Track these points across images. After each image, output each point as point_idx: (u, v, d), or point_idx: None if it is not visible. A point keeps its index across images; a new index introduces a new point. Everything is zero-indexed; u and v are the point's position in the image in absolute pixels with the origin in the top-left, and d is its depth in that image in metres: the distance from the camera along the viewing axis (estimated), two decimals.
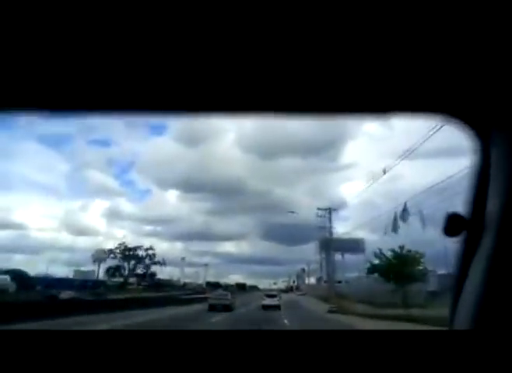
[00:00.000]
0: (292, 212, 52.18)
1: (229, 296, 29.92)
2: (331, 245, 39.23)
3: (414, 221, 24.52)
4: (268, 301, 31.29)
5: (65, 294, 30.27)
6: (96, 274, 59.25)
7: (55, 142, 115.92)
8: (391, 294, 26.89)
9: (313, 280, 77.58)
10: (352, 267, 48.76)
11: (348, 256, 47.49)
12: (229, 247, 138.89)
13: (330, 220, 39.04)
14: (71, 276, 58.48)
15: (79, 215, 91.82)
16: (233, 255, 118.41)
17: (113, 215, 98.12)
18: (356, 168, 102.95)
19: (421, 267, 26.06)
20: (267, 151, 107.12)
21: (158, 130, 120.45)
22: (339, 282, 43.74)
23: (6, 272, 38.50)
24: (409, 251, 26.08)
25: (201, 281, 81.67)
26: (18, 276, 39.01)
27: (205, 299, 33.38)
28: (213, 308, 26.33)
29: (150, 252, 62.93)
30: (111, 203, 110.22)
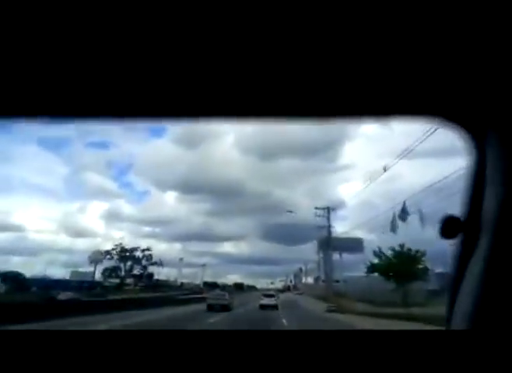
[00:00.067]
0: (291, 211, 52.15)
1: (227, 296, 29.81)
2: (330, 244, 39.20)
3: (413, 220, 24.49)
4: (265, 301, 31.28)
5: (63, 295, 30.22)
6: (93, 275, 59.03)
7: (54, 145, 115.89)
8: (390, 293, 26.85)
9: (310, 280, 77.98)
10: (349, 267, 48.91)
11: (346, 256, 47.76)
12: (227, 247, 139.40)
13: (328, 218, 39.01)
14: (68, 277, 58.30)
15: (78, 217, 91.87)
16: (232, 255, 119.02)
17: (112, 217, 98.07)
18: (354, 169, 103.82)
19: (422, 266, 26.03)
20: (266, 153, 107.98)
21: (157, 133, 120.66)
22: (337, 281, 43.74)
23: None
24: (410, 249, 26.04)
25: (198, 281, 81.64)
26: (12, 277, 38.98)
27: (202, 299, 33.31)
28: (211, 308, 26.29)
29: (147, 253, 62.90)
30: (110, 204, 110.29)
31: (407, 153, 23.61)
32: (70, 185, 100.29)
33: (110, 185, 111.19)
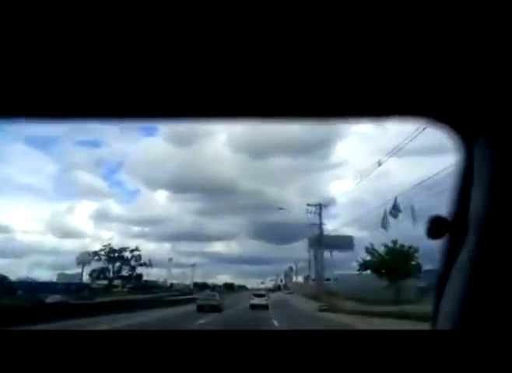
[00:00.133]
0: (282, 209, 52.12)
1: (218, 296, 29.62)
2: (321, 241, 39.20)
3: (404, 217, 24.49)
4: (256, 301, 31.29)
5: (52, 298, 29.64)
6: (81, 277, 58.18)
7: (42, 144, 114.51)
8: (382, 290, 26.83)
9: (300, 279, 78.08)
10: (340, 265, 48.95)
11: (336, 254, 47.83)
12: (217, 247, 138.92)
13: (320, 215, 38.96)
14: (55, 279, 57.47)
15: (66, 217, 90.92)
16: (222, 255, 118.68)
17: (101, 217, 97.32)
18: (346, 166, 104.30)
19: (414, 262, 26.05)
20: (257, 151, 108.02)
21: (148, 131, 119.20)
22: (328, 280, 43.75)
23: None
24: (402, 246, 26.03)
25: (188, 282, 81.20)
26: None
27: (192, 300, 33.12)
28: (201, 309, 26.15)
29: (136, 253, 62.36)
30: (99, 204, 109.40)
31: (397, 151, 23.69)
32: (59, 184, 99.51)
33: (101, 184, 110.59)
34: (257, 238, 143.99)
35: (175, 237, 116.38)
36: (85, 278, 58.13)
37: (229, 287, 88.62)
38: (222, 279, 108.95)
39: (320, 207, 39.45)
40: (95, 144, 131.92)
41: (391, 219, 25.73)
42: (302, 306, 34.32)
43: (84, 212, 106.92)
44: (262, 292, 39.91)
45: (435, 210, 1.01)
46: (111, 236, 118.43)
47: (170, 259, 76.59)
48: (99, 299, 34.93)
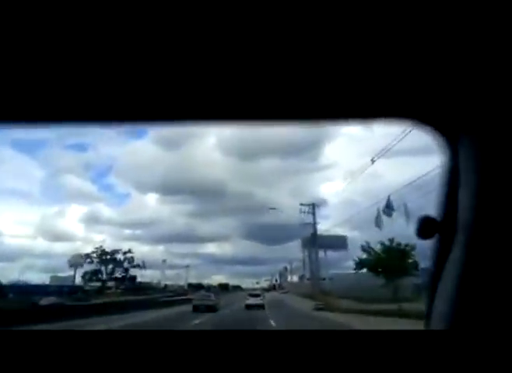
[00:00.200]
0: (274, 209, 52.10)
1: (213, 297, 29.58)
2: (316, 241, 39.21)
3: (397, 215, 24.48)
4: (251, 301, 31.03)
5: (46, 301, 29.31)
6: (73, 280, 57.68)
7: (30, 148, 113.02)
8: (379, 289, 26.78)
9: (295, 279, 78.01)
10: (334, 264, 48.99)
11: (331, 253, 47.84)
12: (211, 248, 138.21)
13: (314, 214, 38.97)
14: (48, 282, 56.95)
15: (56, 221, 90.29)
16: (216, 256, 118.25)
17: (92, 220, 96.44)
18: (336, 168, 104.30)
19: (411, 260, 26.02)
20: (247, 153, 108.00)
21: (137, 134, 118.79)
22: (323, 279, 43.73)
23: None
24: (399, 244, 26.02)
25: (182, 283, 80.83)
26: None
27: (187, 301, 33.07)
28: (197, 309, 26.13)
29: (129, 255, 61.94)
30: (89, 208, 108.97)
31: (385, 152, 23.73)
32: (47, 188, 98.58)
33: (90, 188, 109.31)
34: (251, 239, 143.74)
35: (167, 239, 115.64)
36: (78, 280, 57.84)
37: (223, 288, 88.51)
38: (216, 279, 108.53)
39: (314, 207, 39.49)
40: (82, 147, 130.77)
41: (384, 218, 25.74)
42: (298, 305, 34.19)
43: (74, 216, 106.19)
44: (258, 292, 39.72)
45: (426, 210, 1.01)
46: (103, 239, 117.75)
47: (164, 261, 76.35)
48: (93, 301, 34.84)
